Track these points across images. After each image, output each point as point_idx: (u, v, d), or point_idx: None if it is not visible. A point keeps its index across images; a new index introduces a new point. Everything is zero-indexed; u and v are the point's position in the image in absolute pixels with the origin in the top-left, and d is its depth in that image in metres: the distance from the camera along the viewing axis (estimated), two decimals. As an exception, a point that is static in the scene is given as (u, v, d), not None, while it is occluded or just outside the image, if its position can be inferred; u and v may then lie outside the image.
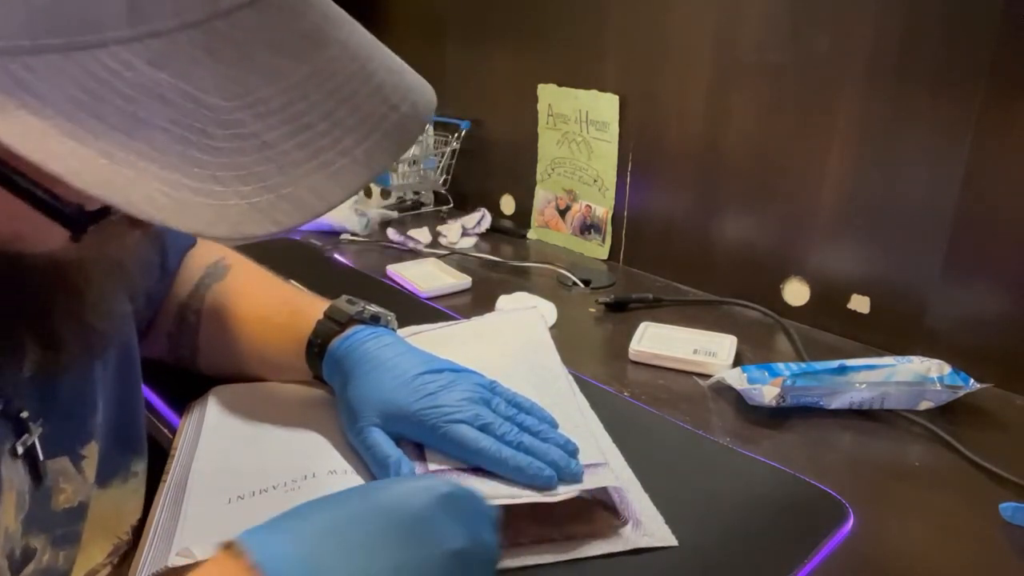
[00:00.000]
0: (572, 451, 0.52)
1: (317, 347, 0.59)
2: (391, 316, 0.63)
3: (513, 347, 0.69)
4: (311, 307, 0.62)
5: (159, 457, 0.58)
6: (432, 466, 0.51)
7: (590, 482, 0.50)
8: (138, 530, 0.51)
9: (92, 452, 0.47)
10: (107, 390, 0.49)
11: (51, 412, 0.43)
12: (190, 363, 0.67)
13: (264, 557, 0.32)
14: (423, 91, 0.37)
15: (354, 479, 0.51)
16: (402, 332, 0.73)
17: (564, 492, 0.49)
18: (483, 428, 0.51)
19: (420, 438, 0.53)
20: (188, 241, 0.67)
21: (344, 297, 0.62)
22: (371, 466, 0.52)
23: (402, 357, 0.56)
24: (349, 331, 0.58)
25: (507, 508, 0.49)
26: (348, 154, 0.31)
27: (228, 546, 0.34)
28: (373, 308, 0.61)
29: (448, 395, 0.53)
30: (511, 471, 0.50)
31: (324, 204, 0.30)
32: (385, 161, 0.33)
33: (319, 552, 0.33)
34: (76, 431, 0.46)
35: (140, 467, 0.52)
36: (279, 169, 0.30)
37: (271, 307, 0.65)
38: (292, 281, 0.71)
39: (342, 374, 0.56)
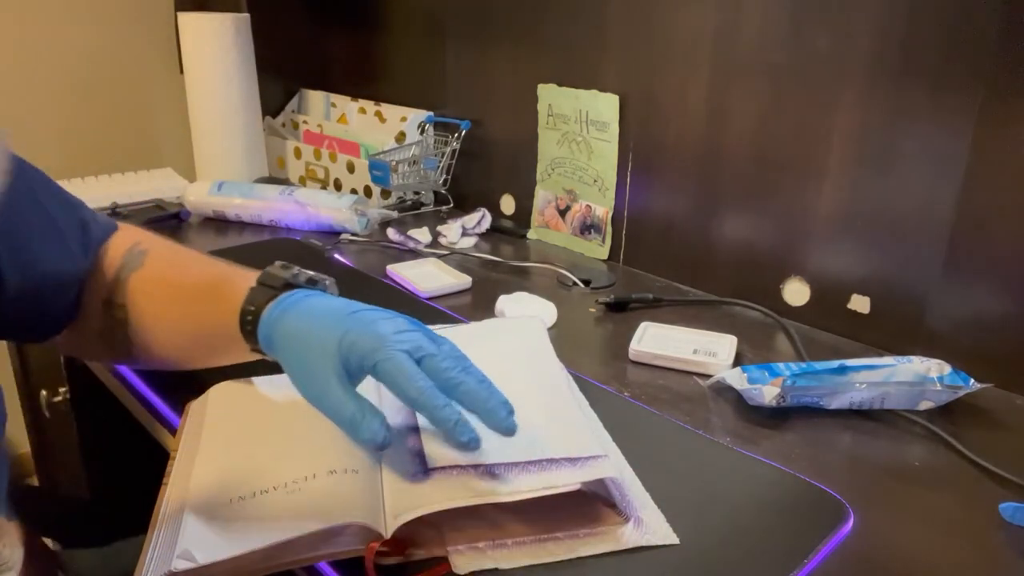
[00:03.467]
0: (511, 408, 0.50)
1: (251, 315, 0.54)
2: (330, 280, 0.59)
3: (511, 348, 0.69)
4: (241, 277, 0.57)
5: (159, 457, 0.59)
6: (432, 463, 0.51)
7: (590, 473, 0.50)
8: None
9: None
10: None
11: None
12: (131, 359, 0.62)
13: None
14: None
15: (355, 479, 0.51)
16: None
17: (565, 484, 0.49)
18: (422, 361, 0.49)
19: (357, 369, 0.49)
20: (101, 234, 0.62)
21: (278, 262, 0.57)
22: (341, 428, 0.49)
23: (341, 302, 0.53)
24: (285, 294, 0.54)
25: (507, 504, 0.49)
26: None
27: None
28: (308, 272, 0.57)
29: (388, 324, 0.50)
30: (437, 420, 0.47)
31: None
32: None
33: None
34: None
35: None
36: None
37: (197, 285, 0.60)
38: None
39: (283, 336, 0.52)
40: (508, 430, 0.49)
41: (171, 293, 0.60)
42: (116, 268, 0.61)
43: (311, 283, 0.57)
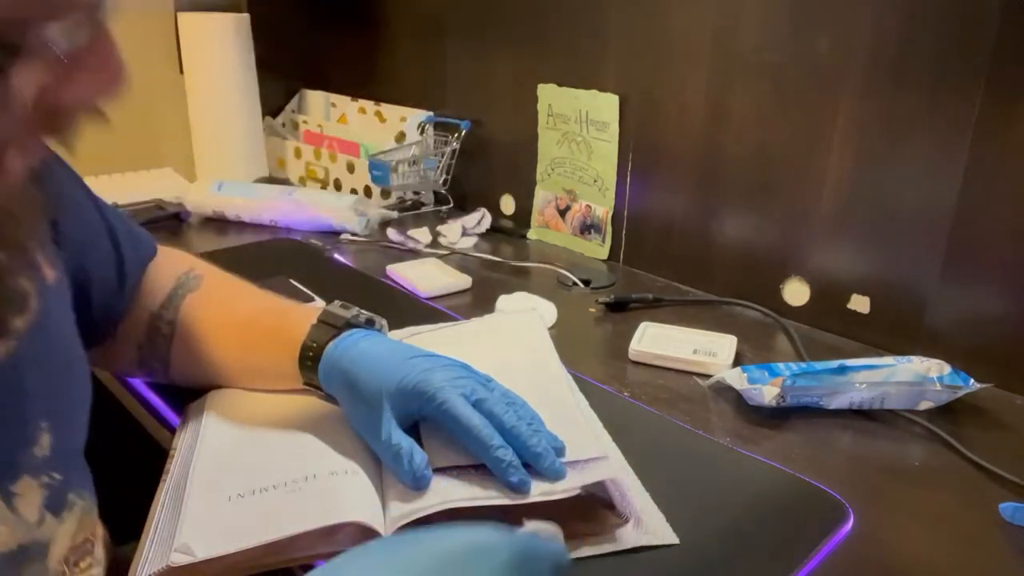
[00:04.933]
0: (559, 448, 0.52)
1: (312, 351, 0.57)
2: (384, 322, 0.62)
3: (512, 347, 0.69)
4: (298, 313, 0.61)
5: (159, 457, 0.58)
6: (434, 464, 0.51)
7: (590, 476, 0.50)
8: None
9: (27, 489, 0.41)
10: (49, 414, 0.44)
11: None
12: (161, 375, 0.65)
13: None
14: None
15: (355, 480, 0.51)
16: (401, 333, 0.73)
17: (564, 489, 0.49)
18: (477, 404, 0.51)
19: (416, 410, 0.53)
20: (146, 253, 0.64)
21: (337, 302, 0.60)
22: (385, 460, 0.52)
23: (399, 345, 0.56)
24: (346, 334, 0.57)
25: (508, 507, 0.49)
26: None
27: None
28: (367, 313, 0.61)
29: (444, 372, 0.53)
30: (491, 460, 0.49)
31: None
32: None
33: None
34: None
35: (82, 501, 0.47)
36: None
37: (255, 313, 0.63)
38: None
39: (342, 373, 0.55)
40: (556, 474, 0.50)
41: (227, 319, 0.63)
42: (170, 287, 0.64)
43: (369, 323, 0.60)
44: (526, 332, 0.72)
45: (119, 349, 0.63)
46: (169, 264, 0.66)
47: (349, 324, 0.58)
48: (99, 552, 0.50)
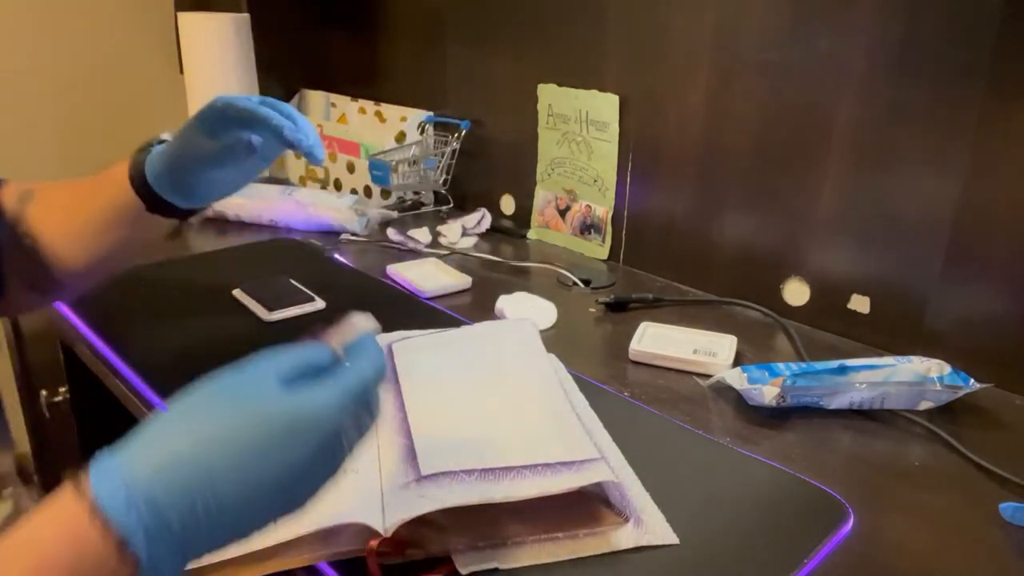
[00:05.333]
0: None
1: (136, 166, 0.65)
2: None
3: (505, 351, 0.69)
4: (118, 164, 0.68)
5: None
6: (426, 471, 0.51)
7: (586, 477, 0.50)
8: None
9: None
10: None
11: None
12: (57, 287, 0.69)
13: (103, 493, 0.31)
14: None
15: (355, 479, 0.51)
16: (391, 336, 0.73)
17: (562, 486, 0.49)
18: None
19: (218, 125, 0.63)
20: None
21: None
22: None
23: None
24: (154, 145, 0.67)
25: (507, 505, 0.49)
26: None
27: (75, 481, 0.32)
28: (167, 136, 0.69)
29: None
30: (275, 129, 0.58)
31: None
32: None
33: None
34: None
35: None
36: None
37: (83, 182, 0.70)
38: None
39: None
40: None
41: (66, 199, 0.69)
42: (13, 209, 0.68)
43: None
44: (520, 337, 0.72)
45: (11, 290, 0.67)
46: (6, 193, 0.70)
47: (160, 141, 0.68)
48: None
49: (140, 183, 0.65)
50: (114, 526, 0.31)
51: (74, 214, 0.69)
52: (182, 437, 0.35)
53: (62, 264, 0.68)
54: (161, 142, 0.69)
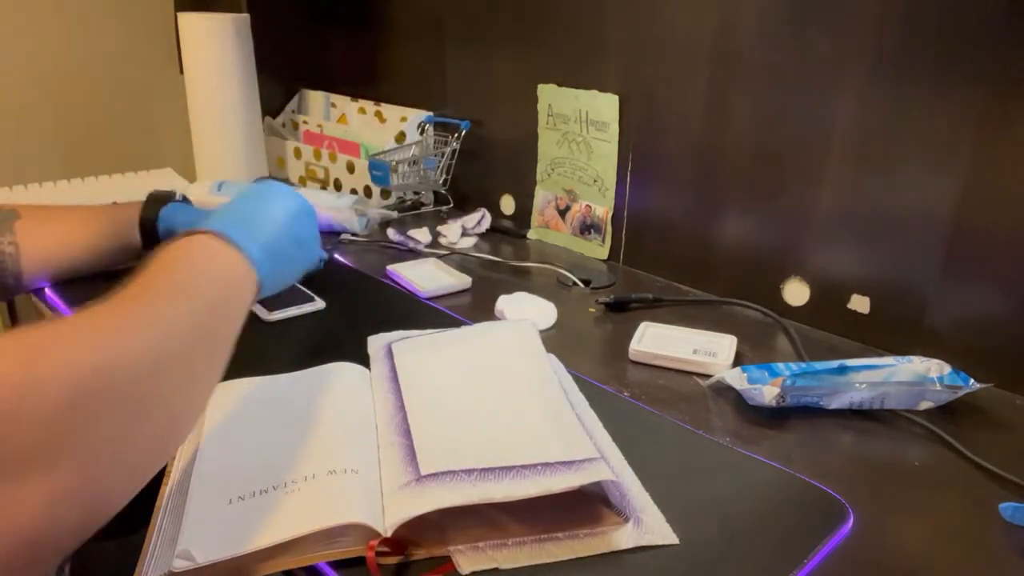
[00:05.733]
0: None
1: (150, 218, 0.80)
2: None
3: (504, 351, 0.69)
4: (125, 207, 0.82)
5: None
6: (425, 471, 0.51)
7: (586, 476, 0.50)
8: None
9: None
10: None
11: None
12: (13, 289, 0.78)
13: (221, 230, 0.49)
14: None
15: (354, 478, 0.51)
16: (391, 337, 0.73)
17: (562, 485, 0.49)
18: None
19: None
20: None
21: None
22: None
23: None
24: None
25: (507, 506, 0.49)
26: None
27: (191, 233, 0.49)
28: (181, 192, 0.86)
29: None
30: None
31: None
32: None
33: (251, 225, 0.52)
34: None
35: None
36: None
37: (82, 214, 0.81)
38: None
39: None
40: None
41: (62, 215, 0.81)
42: None
43: (185, 200, 0.86)
44: (520, 337, 0.72)
45: None
46: None
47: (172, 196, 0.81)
48: None
49: (148, 230, 0.79)
50: (246, 256, 0.49)
51: (66, 241, 0.79)
52: (263, 210, 0.55)
53: (32, 278, 0.79)
54: (178, 199, 0.82)
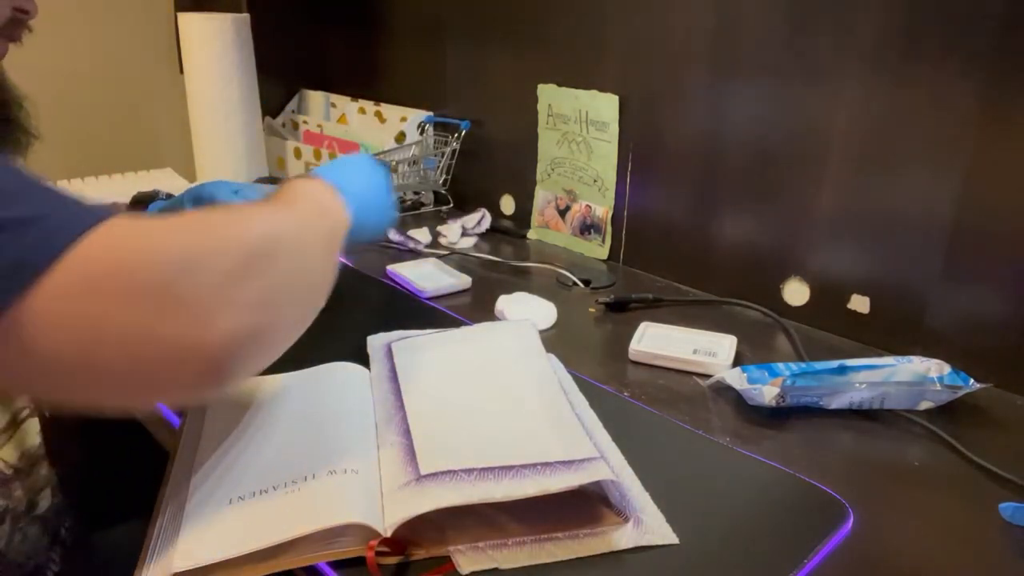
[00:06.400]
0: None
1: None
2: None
3: (504, 352, 0.69)
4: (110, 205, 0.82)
5: (159, 457, 0.59)
6: (425, 470, 0.51)
7: (586, 476, 0.50)
8: None
9: None
10: None
11: None
12: None
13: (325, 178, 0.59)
14: None
15: (354, 479, 0.51)
16: (390, 337, 0.73)
17: (562, 484, 0.49)
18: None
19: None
20: None
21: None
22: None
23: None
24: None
25: (507, 506, 0.49)
26: None
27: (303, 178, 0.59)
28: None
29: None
30: None
31: None
32: None
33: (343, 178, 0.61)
34: None
35: None
36: None
37: None
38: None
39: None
40: None
41: None
42: None
43: (169, 196, 0.85)
44: (519, 337, 0.72)
45: None
46: None
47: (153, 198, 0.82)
48: None
49: None
50: (341, 198, 0.59)
51: None
52: (349, 170, 0.65)
53: None
54: (161, 196, 0.81)
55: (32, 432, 0.59)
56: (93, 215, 0.39)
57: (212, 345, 0.39)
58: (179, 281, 0.39)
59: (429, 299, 0.92)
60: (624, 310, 0.91)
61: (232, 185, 0.86)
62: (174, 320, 0.38)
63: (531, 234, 1.18)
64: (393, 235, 1.13)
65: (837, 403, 0.68)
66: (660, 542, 0.50)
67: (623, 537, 0.50)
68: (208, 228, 0.44)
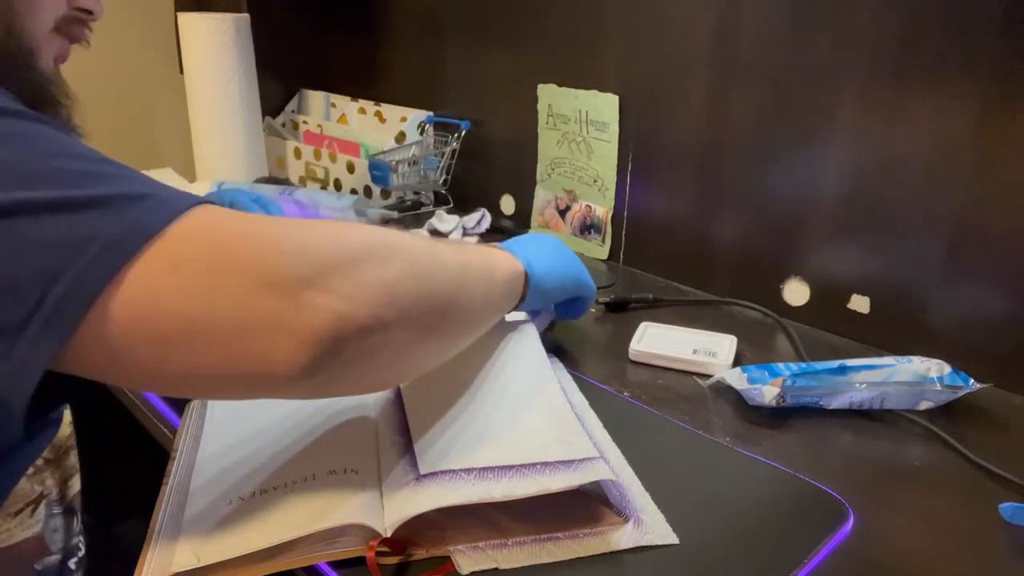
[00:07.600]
0: None
1: None
2: None
3: (503, 351, 0.69)
4: None
5: (159, 457, 0.59)
6: (424, 469, 0.51)
7: (585, 475, 0.50)
8: None
9: None
10: None
11: None
12: None
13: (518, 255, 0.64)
14: None
15: (354, 479, 0.51)
16: None
17: (561, 484, 0.49)
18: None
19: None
20: None
21: None
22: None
23: None
24: None
25: (507, 506, 0.49)
26: None
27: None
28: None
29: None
30: None
31: None
32: None
33: (536, 259, 0.66)
34: None
35: None
36: None
37: None
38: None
39: None
40: None
41: None
42: None
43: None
44: (518, 337, 0.72)
45: None
46: None
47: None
48: None
49: None
50: (523, 266, 0.64)
51: None
52: (538, 249, 0.68)
53: None
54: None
55: (64, 423, 0.60)
56: (191, 198, 0.41)
57: (305, 324, 0.39)
58: (275, 263, 0.40)
59: (429, 299, 0.91)
60: (624, 310, 0.91)
61: (251, 194, 0.86)
62: (268, 296, 0.39)
63: (531, 234, 1.18)
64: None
65: (837, 403, 0.68)
66: (660, 542, 0.50)
67: (623, 537, 0.50)
68: (321, 225, 0.45)
